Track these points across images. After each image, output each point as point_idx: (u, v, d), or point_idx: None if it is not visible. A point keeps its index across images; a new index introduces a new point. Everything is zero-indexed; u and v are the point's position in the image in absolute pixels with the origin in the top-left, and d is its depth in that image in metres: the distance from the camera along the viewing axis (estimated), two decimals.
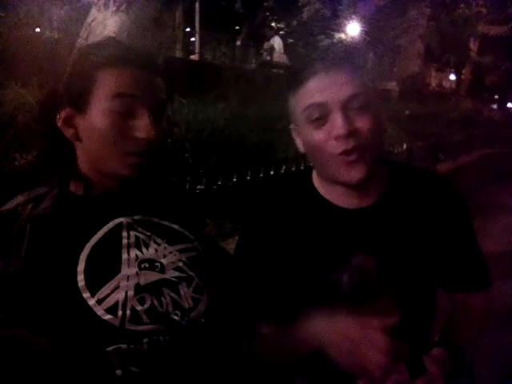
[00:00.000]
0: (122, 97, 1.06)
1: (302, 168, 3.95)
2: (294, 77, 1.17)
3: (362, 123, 1.10)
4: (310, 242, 1.20)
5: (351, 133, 1.08)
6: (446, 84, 21.13)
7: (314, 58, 1.20)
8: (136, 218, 1.12)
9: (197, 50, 14.92)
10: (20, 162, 2.59)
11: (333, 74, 1.11)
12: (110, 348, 0.96)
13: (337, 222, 1.20)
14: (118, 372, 0.95)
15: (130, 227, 1.10)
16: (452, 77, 21.42)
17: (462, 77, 19.20)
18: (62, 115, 1.11)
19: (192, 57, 13.83)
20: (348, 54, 1.18)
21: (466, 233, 1.27)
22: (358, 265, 1.05)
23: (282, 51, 14.88)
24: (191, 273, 1.09)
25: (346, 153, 1.09)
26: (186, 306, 1.04)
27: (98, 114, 1.07)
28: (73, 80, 1.11)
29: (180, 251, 1.12)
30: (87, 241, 1.05)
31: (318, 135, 1.12)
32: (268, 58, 13.92)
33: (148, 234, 1.11)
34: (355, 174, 1.12)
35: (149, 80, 1.10)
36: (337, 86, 1.10)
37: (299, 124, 1.18)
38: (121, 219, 1.10)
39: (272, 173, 3.68)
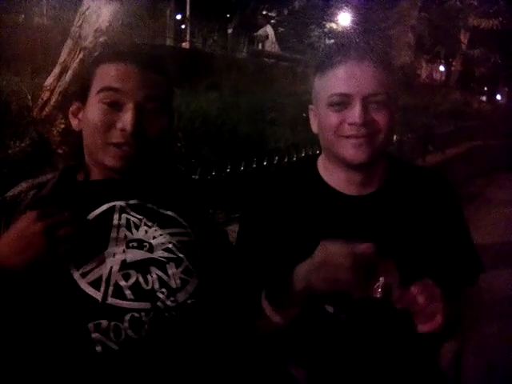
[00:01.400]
0: (107, 90, 1.13)
1: (294, 159, 3.97)
2: (324, 61, 1.23)
3: (378, 117, 1.18)
4: (311, 226, 1.24)
5: (365, 123, 1.16)
6: (435, 75, 21.21)
7: (346, 44, 1.24)
8: (131, 202, 1.16)
9: (187, 37, 14.85)
10: (14, 149, 2.60)
11: (362, 67, 1.17)
12: (91, 324, 0.97)
13: (338, 208, 1.26)
14: (98, 349, 0.95)
15: (122, 210, 1.14)
16: (442, 68, 21.51)
17: (452, 68, 19.26)
18: (71, 109, 1.22)
19: (183, 45, 13.75)
20: (379, 49, 1.23)
21: (459, 228, 1.32)
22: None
23: (274, 40, 14.85)
24: (181, 255, 1.11)
25: (355, 136, 1.17)
26: (174, 285, 1.06)
27: (90, 106, 1.16)
28: (80, 76, 1.18)
29: (171, 234, 1.14)
30: (80, 219, 1.08)
31: (335, 118, 1.19)
32: (260, 47, 13.89)
33: (140, 217, 1.14)
34: (360, 155, 1.19)
35: (140, 75, 1.14)
36: (363, 80, 1.17)
37: (319, 105, 1.25)
38: (114, 203, 1.14)
39: (265, 163, 3.70)
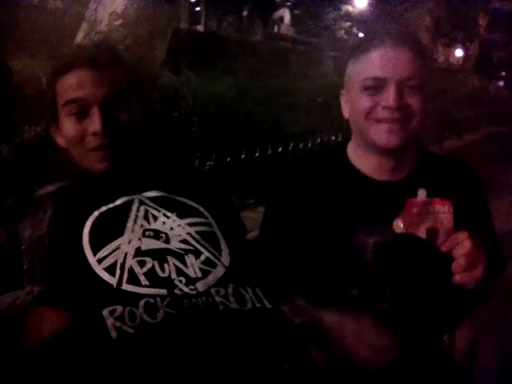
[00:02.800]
0: (69, 103, 1.20)
1: (310, 145, 3.95)
2: (358, 45, 1.25)
3: (411, 102, 1.19)
4: (341, 212, 1.26)
5: (399, 107, 1.17)
6: (452, 60, 20.91)
7: (380, 30, 1.24)
8: (150, 194, 1.18)
9: (202, 20, 14.74)
10: (29, 134, 2.59)
11: (397, 52, 1.19)
12: (106, 310, 0.97)
13: (368, 193, 1.27)
14: (113, 334, 0.95)
15: (141, 202, 1.15)
16: (459, 52, 21.18)
17: (469, 53, 18.96)
18: (51, 131, 1.30)
19: (197, 27, 13.66)
20: (412, 34, 1.26)
21: (485, 220, 1.32)
22: (384, 236, 1.09)
23: (290, 23, 14.69)
24: (199, 246, 1.11)
25: (388, 121, 1.18)
26: (193, 275, 1.05)
27: (62, 122, 1.23)
28: (45, 95, 1.23)
29: (190, 225, 1.14)
30: (97, 208, 1.12)
31: (368, 102, 1.22)
32: (276, 30, 13.75)
33: (159, 208, 1.16)
34: (393, 140, 1.20)
35: (95, 77, 1.18)
36: (398, 64, 1.18)
37: (351, 89, 1.27)
38: (134, 196, 1.16)
39: (280, 149, 3.68)
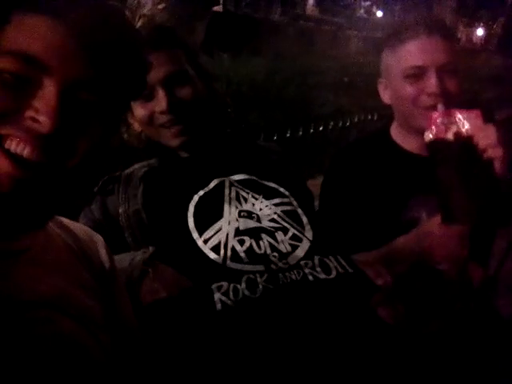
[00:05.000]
0: None
1: (341, 126, 4.00)
2: (395, 36, 1.33)
3: (451, 85, 1.27)
4: (391, 185, 1.34)
5: (442, 92, 1.25)
6: (475, 39, 20.61)
7: (414, 21, 1.33)
8: (237, 177, 1.25)
9: (221, 0, 14.65)
10: None
11: (432, 40, 1.28)
12: (214, 285, 1.05)
13: (414, 167, 1.35)
14: (218, 306, 1.03)
15: (231, 184, 1.23)
16: (480, 32, 20.85)
17: (492, 32, 18.67)
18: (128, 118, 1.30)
19: (215, 8, 13.57)
20: (442, 21, 1.35)
21: None
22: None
23: (314, 3, 14.58)
24: (286, 224, 1.19)
25: (433, 107, 1.23)
26: (284, 250, 1.13)
27: (133, 107, 1.24)
28: None
29: (275, 205, 1.23)
30: (196, 192, 1.19)
31: (411, 89, 1.29)
32: (301, 11, 13.65)
33: (247, 190, 1.23)
34: None
35: (156, 58, 1.16)
36: (436, 52, 1.27)
37: (392, 77, 1.35)
38: (224, 178, 1.24)
39: (312, 131, 3.75)
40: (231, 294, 1.05)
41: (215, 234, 1.14)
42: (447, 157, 1.11)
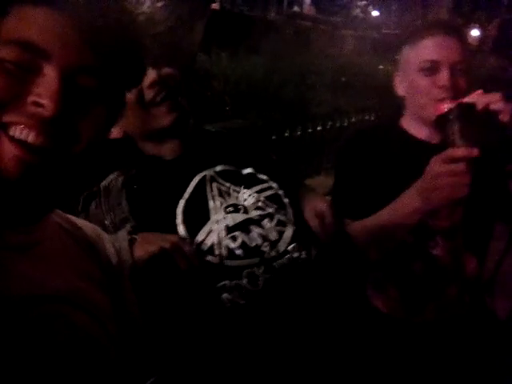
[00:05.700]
0: None
1: (338, 125, 4.01)
2: (414, 33, 1.46)
3: (460, 82, 1.38)
4: (403, 170, 1.40)
5: (452, 86, 1.35)
6: (470, 40, 20.65)
7: (434, 21, 1.51)
8: (217, 169, 1.27)
9: None
10: None
11: (448, 39, 1.40)
12: (218, 285, 1.09)
13: (425, 153, 1.36)
14: (227, 306, 1.08)
15: (212, 179, 1.24)
16: (475, 33, 20.90)
17: (488, 33, 18.70)
18: None
19: (213, 5, 13.53)
20: (458, 25, 1.48)
21: None
22: None
23: (310, 2, 14.55)
24: (270, 210, 1.23)
25: (444, 100, 1.32)
26: (273, 238, 1.18)
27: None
28: None
29: (257, 192, 1.26)
30: (181, 196, 1.20)
31: (425, 81, 1.41)
32: (298, 10, 13.62)
33: (227, 184, 1.25)
34: None
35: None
36: (451, 49, 1.40)
37: (408, 71, 1.45)
38: (204, 173, 1.25)
39: (310, 130, 3.75)
40: (235, 290, 1.08)
41: (207, 236, 1.15)
42: (455, 117, 1.17)
